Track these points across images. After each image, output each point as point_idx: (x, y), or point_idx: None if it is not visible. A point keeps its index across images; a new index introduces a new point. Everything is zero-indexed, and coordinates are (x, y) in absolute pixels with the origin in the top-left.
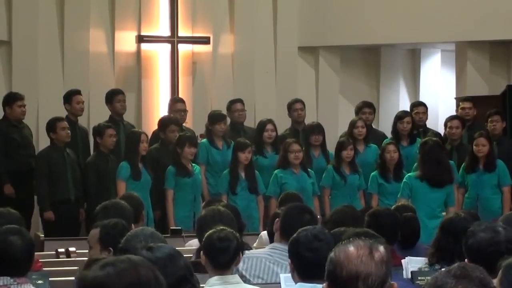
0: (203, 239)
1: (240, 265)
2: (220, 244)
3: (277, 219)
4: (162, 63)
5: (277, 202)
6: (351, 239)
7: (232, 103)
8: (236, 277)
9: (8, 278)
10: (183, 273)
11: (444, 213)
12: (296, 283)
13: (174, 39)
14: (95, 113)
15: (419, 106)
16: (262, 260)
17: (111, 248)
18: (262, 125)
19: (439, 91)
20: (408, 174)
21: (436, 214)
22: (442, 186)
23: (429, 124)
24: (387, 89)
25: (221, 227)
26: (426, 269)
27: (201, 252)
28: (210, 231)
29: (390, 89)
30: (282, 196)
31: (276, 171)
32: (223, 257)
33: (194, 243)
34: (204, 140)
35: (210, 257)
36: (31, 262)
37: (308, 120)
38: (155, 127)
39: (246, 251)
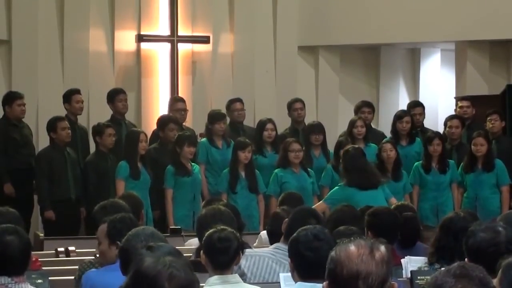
0: (204, 239)
1: (243, 263)
2: (220, 245)
3: (285, 219)
4: (162, 62)
5: (277, 201)
6: (352, 238)
7: (231, 102)
8: (236, 277)
9: (6, 277)
10: None
11: None
12: (295, 282)
13: (174, 39)
14: (95, 113)
15: (416, 107)
16: (264, 259)
17: (118, 242)
18: (262, 125)
19: (439, 91)
20: (337, 187)
21: None
22: (374, 187)
23: (429, 123)
24: (387, 89)
25: (222, 227)
26: (426, 268)
27: (201, 251)
28: (211, 231)
29: (389, 88)
30: (283, 196)
31: (276, 170)
32: (223, 258)
33: (193, 242)
34: (204, 139)
35: (210, 257)
36: (28, 262)
37: (307, 120)
38: (155, 126)
39: (248, 250)
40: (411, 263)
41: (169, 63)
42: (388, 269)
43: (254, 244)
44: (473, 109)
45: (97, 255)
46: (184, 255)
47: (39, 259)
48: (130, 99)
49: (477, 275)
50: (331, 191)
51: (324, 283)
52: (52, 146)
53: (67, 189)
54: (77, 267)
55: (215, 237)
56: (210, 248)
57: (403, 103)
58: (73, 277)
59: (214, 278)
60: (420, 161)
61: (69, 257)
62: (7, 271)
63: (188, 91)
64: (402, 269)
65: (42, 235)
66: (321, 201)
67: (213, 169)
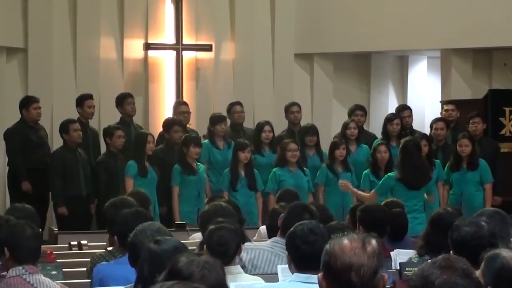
0: (205, 239)
1: (244, 256)
2: (219, 248)
3: (282, 214)
4: (167, 69)
5: (275, 198)
6: (345, 232)
7: (232, 105)
8: (238, 268)
9: (20, 268)
10: None
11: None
12: (292, 273)
13: (179, 47)
14: (105, 115)
15: (404, 110)
16: (264, 252)
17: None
18: (260, 126)
19: (425, 95)
20: (388, 174)
21: (415, 209)
22: (419, 189)
23: (416, 125)
24: (377, 93)
25: (221, 225)
26: (416, 260)
27: (204, 247)
28: (211, 228)
29: (380, 93)
30: (281, 192)
31: (274, 169)
32: (223, 260)
33: (197, 236)
34: (206, 140)
35: (213, 255)
36: (39, 250)
37: (303, 122)
38: (162, 128)
39: (248, 243)
40: (400, 255)
41: (174, 69)
42: (379, 261)
43: (254, 238)
44: (457, 112)
45: (108, 248)
46: (189, 248)
47: (53, 252)
48: (138, 103)
49: (460, 267)
50: (382, 180)
51: (319, 274)
52: (65, 146)
53: (79, 187)
54: (89, 259)
55: (215, 240)
56: (211, 250)
57: (392, 106)
58: (85, 269)
59: None
60: None
61: (82, 250)
62: (21, 257)
63: (192, 95)
64: (391, 261)
65: (56, 229)
66: (373, 191)
67: (214, 168)
